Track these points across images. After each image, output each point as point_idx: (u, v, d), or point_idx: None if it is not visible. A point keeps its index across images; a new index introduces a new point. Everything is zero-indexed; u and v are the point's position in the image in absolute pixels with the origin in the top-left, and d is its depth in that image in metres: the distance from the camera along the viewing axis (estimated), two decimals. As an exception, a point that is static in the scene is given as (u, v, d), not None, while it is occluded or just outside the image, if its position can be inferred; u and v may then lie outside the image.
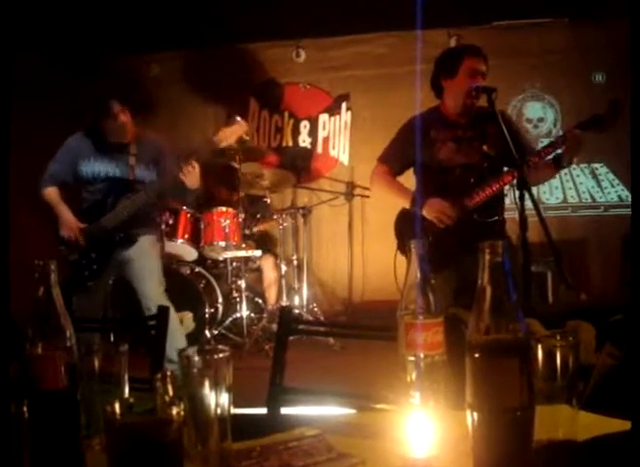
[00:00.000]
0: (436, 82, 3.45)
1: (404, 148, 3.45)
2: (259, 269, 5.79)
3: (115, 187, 4.03)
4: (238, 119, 4.20)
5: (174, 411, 0.89)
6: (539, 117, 6.36)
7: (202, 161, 4.02)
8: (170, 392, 1.00)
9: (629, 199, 6.11)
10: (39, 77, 6.03)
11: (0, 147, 1.65)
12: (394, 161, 3.51)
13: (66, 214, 4.05)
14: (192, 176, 3.92)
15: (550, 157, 3.21)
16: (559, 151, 3.17)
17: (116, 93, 4.14)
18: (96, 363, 1.18)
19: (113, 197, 4.01)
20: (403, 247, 3.41)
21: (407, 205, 3.44)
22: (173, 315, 3.98)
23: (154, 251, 4.18)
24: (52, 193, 4.12)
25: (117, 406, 0.90)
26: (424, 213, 3.31)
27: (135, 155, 4.07)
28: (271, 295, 5.69)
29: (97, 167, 4.05)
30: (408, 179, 3.57)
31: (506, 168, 3.27)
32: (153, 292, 4.01)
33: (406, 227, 3.44)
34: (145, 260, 4.07)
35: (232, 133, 4.09)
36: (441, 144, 3.36)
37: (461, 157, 3.35)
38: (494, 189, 3.26)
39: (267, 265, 5.73)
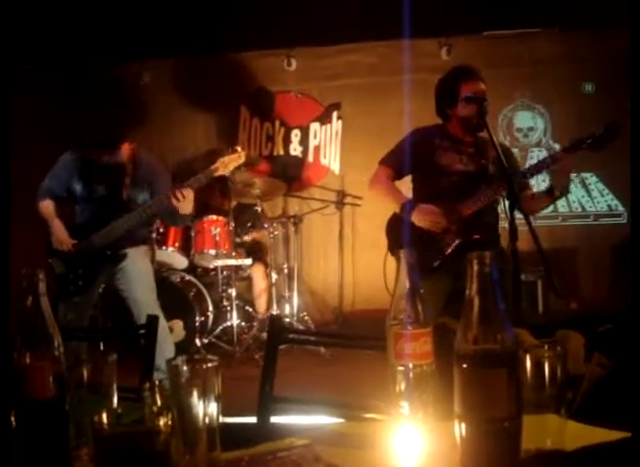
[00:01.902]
0: (441, 112, 3.53)
1: (407, 152, 3.49)
2: (249, 278, 5.78)
3: (108, 206, 4.02)
4: (239, 149, 4.22)
5: (162, 421, 0.89)
6: (529, 126, 6.39)
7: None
8: (158, 402, 0.99)
9: (619, 209, 6.14)
10: (31, 86, 6.02)
11: (0, 157, 1.65)
12: (395, 165, 3.54)
13: (59, 229, 4.03)
14: (184, 203, 3.94)
15: (539, 174, 3.29)
16: (547, 174, 3.29)
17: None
18: (85, 372, 1.17)
19: (105, 216, 4.00)
20: (393, 249, 3.45)
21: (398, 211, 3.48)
22: (163, 324, 3.97)
23: (144, 259, 4.17)
24: (48, 206, 4.12)
25: (105, 416, 0.90)
26: (414, 220, 3.34)
27: (130, 175, 4.06)
28: (262, 303, 5.68)
29: (91, 186, 4.05)
30: (409, 184, 3.62)
31: None
32: (144, 299, 4.01)
33: (398, 229, 3.47)
34: (135, 267, 4.06)
35: (231, 163, 4.13)
36: (443, 151, 3.45)
37: (461, 165, 3.44)
38: (489, 198, 3.33)
39: (258, 273, 5.72)
